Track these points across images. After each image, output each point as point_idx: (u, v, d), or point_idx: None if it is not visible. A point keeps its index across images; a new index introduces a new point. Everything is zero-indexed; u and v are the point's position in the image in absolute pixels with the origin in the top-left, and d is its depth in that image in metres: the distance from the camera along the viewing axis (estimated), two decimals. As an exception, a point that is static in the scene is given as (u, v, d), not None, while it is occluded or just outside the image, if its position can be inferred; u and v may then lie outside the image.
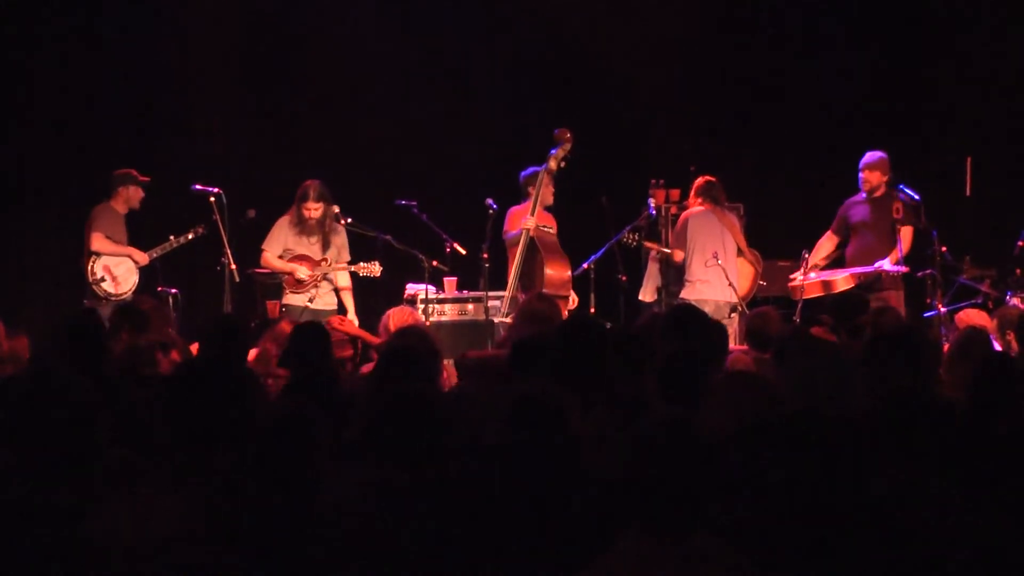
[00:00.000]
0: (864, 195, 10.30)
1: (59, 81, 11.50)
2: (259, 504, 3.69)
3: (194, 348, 7.24)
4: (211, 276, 10.16)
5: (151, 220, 10.43)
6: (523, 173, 10.28)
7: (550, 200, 10.15)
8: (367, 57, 12.14)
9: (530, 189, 10.14)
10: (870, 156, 10.28)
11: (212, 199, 9.94)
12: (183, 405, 3.86)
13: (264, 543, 3.63)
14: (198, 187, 10.05)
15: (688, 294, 9.98)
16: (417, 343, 5.49)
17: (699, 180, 10.36)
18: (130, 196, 10.18)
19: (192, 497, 3.66)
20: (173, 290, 10.09)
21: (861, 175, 10.26)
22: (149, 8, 11.72)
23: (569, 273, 10.00)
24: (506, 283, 10.09)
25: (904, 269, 10.05)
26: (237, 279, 9.87)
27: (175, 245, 10.27)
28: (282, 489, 3.74)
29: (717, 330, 6.01)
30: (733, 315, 9.97)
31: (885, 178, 10.21)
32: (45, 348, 6.09)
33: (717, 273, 9.99)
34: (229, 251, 9.85)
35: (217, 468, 3.76)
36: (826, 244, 10.41)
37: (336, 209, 10.11)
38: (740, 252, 10.28)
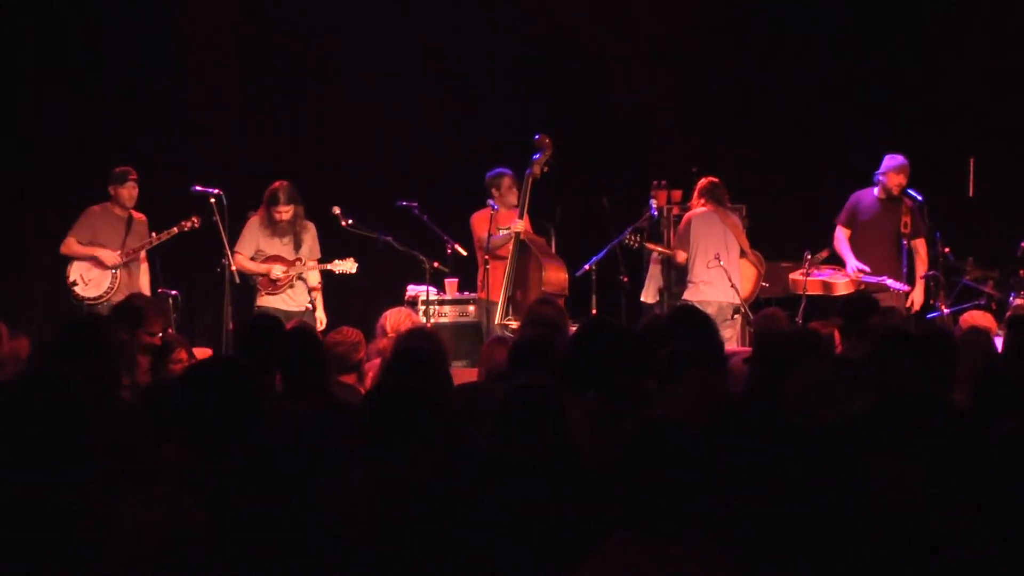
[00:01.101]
0: (876, 193, 10.25)
1: (58, 81, 11.47)
2: (262, 505, 3.67)
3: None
4: (211, 277, 10.11)
5: (151, 221, 10.35)
6: (488, 174, 10.28)
7: (515, 201, 10.18)
8: (367, 57, 12.11)
9: (493, 190, 10.15)
10: (901, 160, 10.20)
11: (212, 200, 9.87)
12: (193, 406, 3.84)
13: (266, 543, 3.61)
14: (198, 188, 9.99)
15: (691, 295, 9.97)
16: (423, 344, 5.47)
17: (702, 181, 10.34)
18: (119, 195, 9.95)
19: (198, 498, 3.66)
20: (173, 291, 10.03)
21: (889, 178, 10.15)
22: (149, 8, 11.68)
23: (566, 273, 10.02)
24: (476, 287, 10.10)
25: (906, 288, 10.03)
26: (237, 280, 9.82)
27: (155, 242, 10.02)
28: (285, 490, 3.73)
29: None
30: (736, 316, 9.96)
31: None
32: (39, 349, 6.04)
33: (719, 274, 9.97)
34: (229, 252, 9.80)
35: (223, 469, 3.74)
36: (845, 239, 10.34)
37: (337, 210, 10.08)
38: (743, 253, 10.26)
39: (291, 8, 12.14)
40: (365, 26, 12.06)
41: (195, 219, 9.97)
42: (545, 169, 10.18)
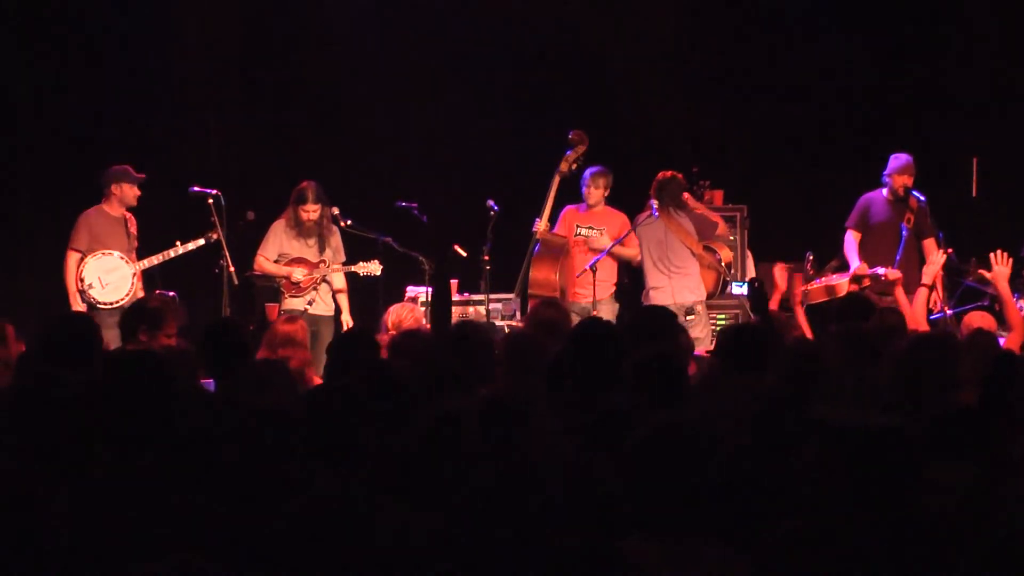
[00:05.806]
0: (885, 195, 10.17)
1: (56, 82, 11.45)
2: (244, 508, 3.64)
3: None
4: (209, 279, 10.07)
5: (148, 223, 10.30)
6: (591, 171, 10.21)
7: (592, 201, 10.12)
8: (367, 57, 12.08)
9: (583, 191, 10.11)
10: (905, 159, 10.10)
11: (210, 201, 9.82)
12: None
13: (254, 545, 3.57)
14: (196, 189, 9.94)
15: (645, 300, 9.93)
16: (416, 344, 5.44)
17: (658, 175, 10.22)
18: (124, 194, 9.70)
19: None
20: (171, 293, 9.96)
21: (894, 179, 10.07)
22: (147, 8, 11.65)
23: (555, 276, 9.92)
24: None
25: (898, 274, 9.91)
26: (236, 282, 9.78)
27: (182, 251, 9.89)
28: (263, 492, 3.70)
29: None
30: (690, 318, 9.85)
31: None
32: (30, 353, 5.98)
33: (664, 279, 9.91)
34: (228, 253, 9.75)
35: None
36: (855, 242, 10.22)
37: (336, 210, 10.04)
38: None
39: (291, 8, 12.11)
40: (365, 25, 12.04)
41: (216, 233, 9.79)
42: (574, 167, 10.13)
